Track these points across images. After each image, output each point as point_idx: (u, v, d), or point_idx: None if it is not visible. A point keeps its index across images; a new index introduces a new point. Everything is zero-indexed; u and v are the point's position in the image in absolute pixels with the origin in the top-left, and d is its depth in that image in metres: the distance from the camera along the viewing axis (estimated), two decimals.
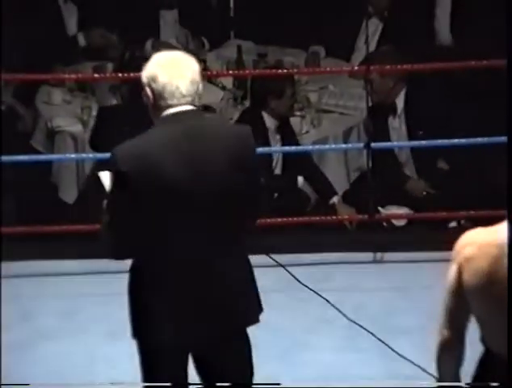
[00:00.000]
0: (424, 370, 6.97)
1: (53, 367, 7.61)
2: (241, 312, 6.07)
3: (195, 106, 5.88)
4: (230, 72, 9.76)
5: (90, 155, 9.15)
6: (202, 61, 9.76)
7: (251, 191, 6.00)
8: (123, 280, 7.66)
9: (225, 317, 6.03)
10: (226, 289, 6.00)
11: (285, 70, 9.33)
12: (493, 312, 5.25)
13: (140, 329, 6.02)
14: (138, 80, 8.68)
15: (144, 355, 6.11)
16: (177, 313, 6.03)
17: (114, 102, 9.52)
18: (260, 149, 8.23)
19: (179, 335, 6.00)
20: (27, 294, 8.33)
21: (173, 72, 5.84)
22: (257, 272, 6.22)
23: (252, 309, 6.12)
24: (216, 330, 6.01)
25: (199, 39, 10.32)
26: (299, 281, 7.24)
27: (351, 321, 7.45)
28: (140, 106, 8.61)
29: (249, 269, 6.12)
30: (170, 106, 5.83)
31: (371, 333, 7.67)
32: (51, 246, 8.67)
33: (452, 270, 5.24)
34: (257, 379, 6.03)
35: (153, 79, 5.78)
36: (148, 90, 5.81)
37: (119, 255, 6.02)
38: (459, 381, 5.47)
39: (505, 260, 5.19)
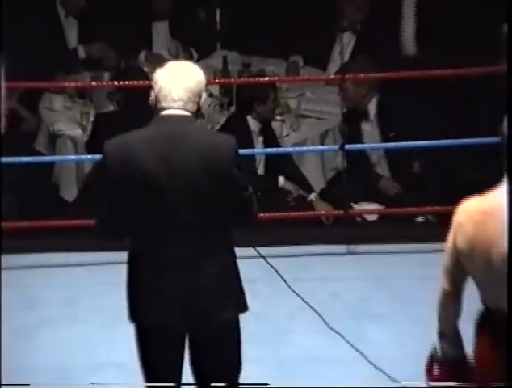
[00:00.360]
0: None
1: (55, 352, 7.52)
2: (211, 307, 5.96)
3: (188, 111, 5.83)
4: (217, 80, 9.54)
5: (89, 157, 9.08)
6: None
7: (228, 197, 5.89)
8: (120, 271, 7.73)
9: (198, 310, 5.95)
10: (195, 284, 5.90)
11: (267, 79, 9.24)
12: (482, 271, 5.31)
13: (132, 312, 5.97)
14: (132, 88, 8.86)
15: (137, 336, 6.01)
16: (158, 299, 5.94)
17: (110, 108, 9.41)
18: (244, 151, 8.14)
19: (162, 319, 5.92)
20: (30, 284, 8.26)
21: (170, 78, 5.81)
22: (242, 264, 6.08)
23: (224, 303, 6.00)
24: (193, 318, 5.93)
25: (188, 50, 10.19)
26: (277, 272, 7.03)
27: (326, 308, 7.22)
28: (134, 112, 8.77)
29: (223, 267, 6.01)
30: (163, 108, 5.79)
31: (345, 319, 7.50)
32: (52, 240, 8.60)
33: (450, 234, 5.38)
34: (243, 360, 5.94)
35: (155, 82, 5.76)
36: (151, 91, 5.81)
37: (103, 233, 6.00)
38: (457, 330, 5.55)
39: (489, 225, 5.25)
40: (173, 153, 5.85)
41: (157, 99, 5.85)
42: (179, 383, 6.23)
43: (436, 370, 5.75)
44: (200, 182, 5.84)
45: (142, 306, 5.99)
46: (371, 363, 7.08)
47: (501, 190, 5.38)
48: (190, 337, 6.05)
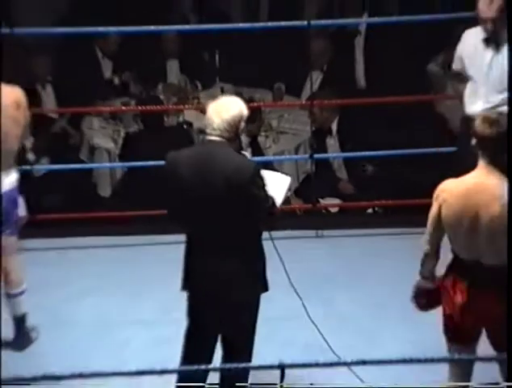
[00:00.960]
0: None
1: (93, 316, 7.53)
2: (234, 284, 6.08)
3: (223, 138, 5.99)
4: None
5: (120, 164, 9.26)
6: (196, 98, 9.96)
7: (246, 206, 5.98)
8: (144, 252, 8.23)
9: (223, 285, 6.08)
10: (221, 264, 6.03)
11: (255, 104, 9.30)
12: (459, 233, 5.77)
13: (183, 284, 6.18)
14: (152, 112, 9.15)
15: (187, 299, 6.17)
16: (196, 274, 6.15)
17: (135, 127, 9.48)
18: None
19: (198, 289, 6.14)
20: (73, 260, 8.21)
21: (214, 111, 5.99)
22: None
23: (245, 282, 6.11)
24: (219, 292, 6.08)
25: (194, 82, 10.14)
26: None
27: (299, 278, 7.10)
28: (153, 130, 9.20)
29: (244, 255, 6.10)
30: (206, 134, 6.02)
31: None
32: (91, 227, 8.56)
33: (434, 208, 5.84)
34: None
35: (206, 112, 5.93)
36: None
37: (170, 220, 6.27)
38: (433, 275, 5.96)
39: (475, 199, 5.69)
40: (204, 169, 6.00)
41: (205, 126, 6.07)
42: (215, 334, 6.31)
43: (419, 300, 6.13)
44: (222, 193, 5.96)
45: (187, 278, 6.19)
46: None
47: (476, 174, 5.80)
48: (216, 304, 6.15)
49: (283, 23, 8.82)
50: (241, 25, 10.03)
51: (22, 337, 7.35)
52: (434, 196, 5.90)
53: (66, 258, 8.27)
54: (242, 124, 6.08)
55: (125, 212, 8.60)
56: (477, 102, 7.47)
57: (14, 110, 6.93)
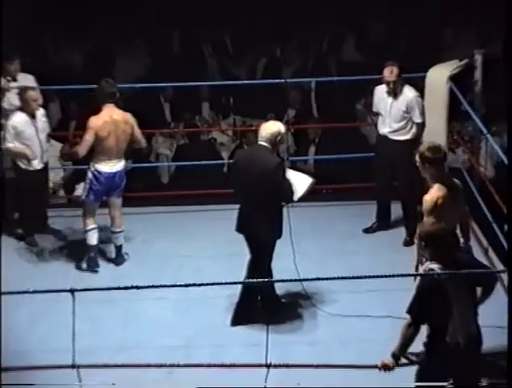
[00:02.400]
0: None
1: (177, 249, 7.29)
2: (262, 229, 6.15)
3: (267, 144, 6.07)
4: (231, 129, 9.69)
5: (173, 163, 9.20)
6: (218, 124, 9.85)
7: (274, 189, 6.04)
8: (190, 215, 8.11)
9: (254, 229, 6.16)
10: (255, 220, 6.15)
11: (254, 128, 8.76)
12: (449, 216, 5.40)
13: (236, 228, 6.23)
14: (193, 132, 9.30)
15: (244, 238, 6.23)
16: (242, 222, 6.22)
17: (182, 142, 9.47)
18: None
19: (241, 230, 6.22)
20: (148, 219, 7.95)
21: (262, 128, 6.14)
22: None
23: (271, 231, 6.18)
24: (253, 232, 6.17)
25: (217, 115, 10.12)
26: None
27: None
28: (193, 144, 9.32)
29: (271, 223, 6.10)
30: (257, 141, 6.18)
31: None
32: (156, 200, 8.38)
33: (431, 202, 5.43)
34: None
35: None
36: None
37: (234, 193, 6.27)
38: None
39: (455, 199, 5.46)
40: (251, 161, 6.12)
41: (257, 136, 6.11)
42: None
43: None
44: (258, 177, 6.02)
45: (239, 225, 6.27)
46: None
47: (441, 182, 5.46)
48: (252, 238, 6.20)
49: (269, 81, 8.98)
50: (245, 82, 9.98)
51: (120, 258, 7.28)
52: (429, 200, 5.43)
53: (146, 217, 8.03)
54: (279, 137, 6.09)
55: (177, 191, 8.53)
56: (385, 127, 7.51)
57: (124, 125, 7.07)
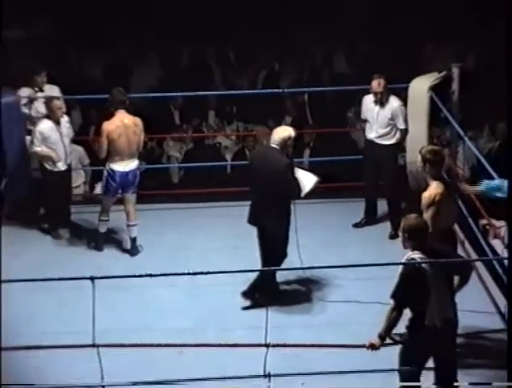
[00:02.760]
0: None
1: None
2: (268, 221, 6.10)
3: (277, 146, 6.06)
4: (235, 133, 9.61)
5: (183, 165, 9.04)
6: (224, 130, 9.74)
7: (283, 186, 6.01)
8: (196, 210, 8.08)
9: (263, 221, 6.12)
10: (263, 213, 6.11)
11: (254, 133, 9.19)
12: (447, 212, 5.39)
13: (248, 220, 6.19)
14: (199, 137, 9.21)
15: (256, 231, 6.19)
16: (251, 212, 6.13)
17: (191, 145, 9.36)
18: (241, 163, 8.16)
19: (256, 226, 6.16)
20: (159, 214, 7.87)
21: (275, 131, 6.15)
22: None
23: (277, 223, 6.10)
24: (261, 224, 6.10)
25: (222, 122, 10.03)
26: None
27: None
28: (200, 147, 9.21)
29: (280, 216, 6.04)
30: (268, 143, 6.19)
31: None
32: (167, 198, 8.25)
33: (429, 198, 5.35)
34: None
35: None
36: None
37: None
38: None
39: (451, 195, 5.42)
40: (263, 161, 6.11)
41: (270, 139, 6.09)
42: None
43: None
44: (269, 176, 6.02)
45: (250, 217, 6.19)
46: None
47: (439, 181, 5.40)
48: (263, 231, 6.12)
49: (269, 91, 9.12)
50: (247, 92, 9.97)
51: (134, 249, 7.22)
52: (430, 196, 5.37)
53: (158, 213, 7.92)
54: (289, 142, 6.07)
55: (186, 190, 8.46)
56: (372, 133, 7.47)
57: (134, 127, 7.04)
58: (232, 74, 10.95)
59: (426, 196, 5.48)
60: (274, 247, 6.19)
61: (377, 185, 7.56)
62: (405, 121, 7.38)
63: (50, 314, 6.25)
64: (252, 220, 6.25)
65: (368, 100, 7.48)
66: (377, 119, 7.40)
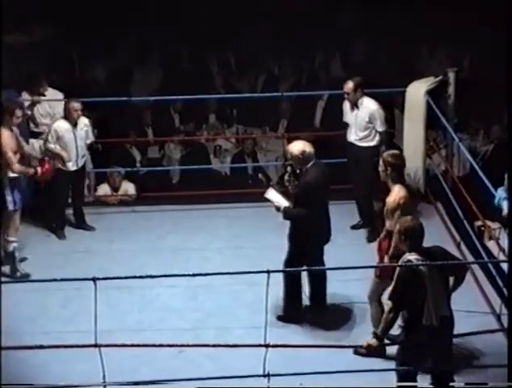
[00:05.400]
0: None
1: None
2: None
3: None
4: (235, 136, 9.61)
5: (183, 167, 8.84)
6: (224, 133, 9.73)
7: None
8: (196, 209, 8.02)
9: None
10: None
11: (254, 135, 9.27)
12: (409, 212, 5.22)
13: None
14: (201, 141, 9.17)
15: None
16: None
17: (191, 148, 9.22)
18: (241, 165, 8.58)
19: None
20: (163, 214, 7.85)
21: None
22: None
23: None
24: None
25: (222, 125, 9.93)
26: None
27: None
28: (200, 149, 9.12)
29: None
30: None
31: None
32: (170, 199, 8.08)
33: (394, 203, 5.30)
34: None
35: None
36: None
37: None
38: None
39: (411, 198, 5.43)
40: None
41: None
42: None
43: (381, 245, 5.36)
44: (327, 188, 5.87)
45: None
46: None
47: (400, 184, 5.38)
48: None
49: (268, 94, 9.00)
50: (247, 95, 9.77)
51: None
52: (395, 200, 5.33)
53: (159, 214, 7.87)
54: (300, 157, 5.79)
55: (185, 191, 8.30)
56: (352, 135, 7.39)
57: None
58: (233, 78, 10.87)
59: (391, 200, 5.40)
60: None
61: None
62: (384, 124, 7.32)
63: (53, 313, 6.24)
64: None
65: (346, 103, 7.45)
66: (356, 122, 7.35)
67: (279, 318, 5.90)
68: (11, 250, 6.61)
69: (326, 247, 6.13)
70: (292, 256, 5.80)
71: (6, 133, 6.55)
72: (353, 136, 7.43)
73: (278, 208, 5.75)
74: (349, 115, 7.44)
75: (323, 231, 5.90)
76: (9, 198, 6.53)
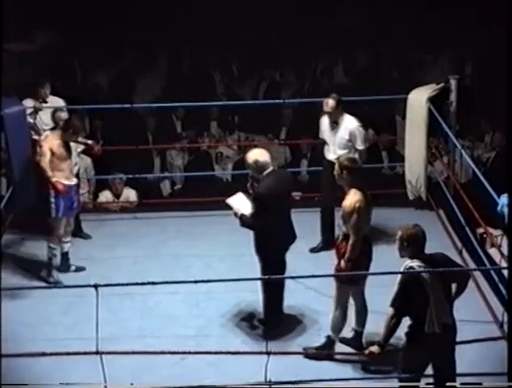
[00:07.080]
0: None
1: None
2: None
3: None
4: (237, 143, 9.65)
5: (184, 174, 9.04)
6: (225, 140, 9.81)
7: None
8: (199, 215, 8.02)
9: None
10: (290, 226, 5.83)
11: (255, 142, 9.18)
12: (367, 218, 5.36)
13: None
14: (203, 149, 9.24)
15: None
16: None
17: (193, 155, 9.37)
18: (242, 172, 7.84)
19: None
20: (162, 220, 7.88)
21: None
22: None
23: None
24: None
25: (224, 132, 10.04)
26: None
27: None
28: (202, 156, 9.24)
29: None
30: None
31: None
32: (171, 209, 8.10)
33: (350, 207, 5.32)
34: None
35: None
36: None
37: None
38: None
39: (369, 203, 5.38)
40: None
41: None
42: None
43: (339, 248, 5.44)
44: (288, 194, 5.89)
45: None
46: None
47: (356, 188, 5.37)
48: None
49: (270, 101, 9.07)
50: (248, 102, 9.84)
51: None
52: (354, 202, 5.35)
53: (160, 221, 7.83)
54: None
55: (186, 198, 8.37)
56: (330, 153, 7.17)
57: None
58: (234, 86, 10.95)
59: (347, 204, 5.41)
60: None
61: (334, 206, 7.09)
62: (363, 142, 7.09)
63: (54, 320, 6.22)
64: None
65: (324, 121, 7.21)
66: (335, 140, 7.14)
67: (260, 321, 5.92)
68: (64, 251, 6.65)
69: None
70: (265, 265, 5.74)
71: (53, 141, 6.54)
72: (331, 154, 7.14)
73: (235, 214, 5.65)
74: (327, 133, 7.20)
75: (283, 239, 5.78)
76: (53, 206, 6.49)
